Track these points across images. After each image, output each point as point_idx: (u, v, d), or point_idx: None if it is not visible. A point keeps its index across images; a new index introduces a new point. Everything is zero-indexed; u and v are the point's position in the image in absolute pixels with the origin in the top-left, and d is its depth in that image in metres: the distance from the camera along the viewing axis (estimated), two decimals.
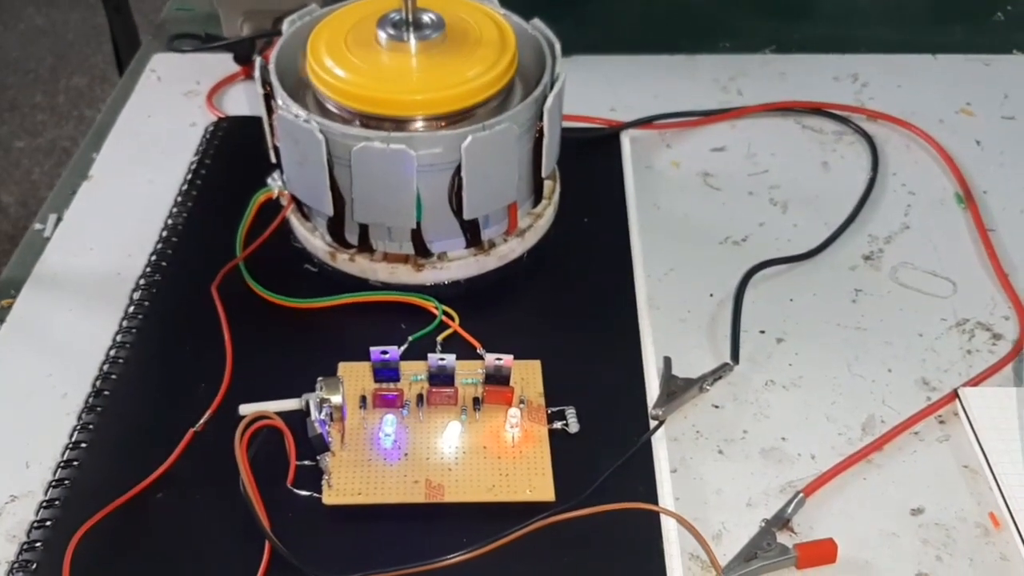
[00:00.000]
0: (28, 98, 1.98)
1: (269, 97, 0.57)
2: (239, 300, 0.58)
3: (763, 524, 0.49)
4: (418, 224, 0.56)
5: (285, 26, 0.60)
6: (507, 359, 0.51)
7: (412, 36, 0.56)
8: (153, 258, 0.62)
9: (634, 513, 0.48)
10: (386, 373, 0.53)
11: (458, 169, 0.54)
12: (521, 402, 0.53)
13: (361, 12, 0.59)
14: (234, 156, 0.70)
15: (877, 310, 0.60)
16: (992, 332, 0.59)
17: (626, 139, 0.72)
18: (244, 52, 0.79)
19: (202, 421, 0.52)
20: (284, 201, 0.62)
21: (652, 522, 0.48)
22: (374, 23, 0.57)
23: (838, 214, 0.67)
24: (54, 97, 1.98)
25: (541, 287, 0.61)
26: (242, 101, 0.78)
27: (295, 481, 0.49)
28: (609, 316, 0.59)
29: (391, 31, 0.56)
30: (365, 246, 0.59)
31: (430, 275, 0.59)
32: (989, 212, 0.67)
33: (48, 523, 0.48)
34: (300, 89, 0.58)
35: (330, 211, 0.57)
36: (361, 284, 0.59)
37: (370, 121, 0.55)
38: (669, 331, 0.58)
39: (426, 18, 0.57)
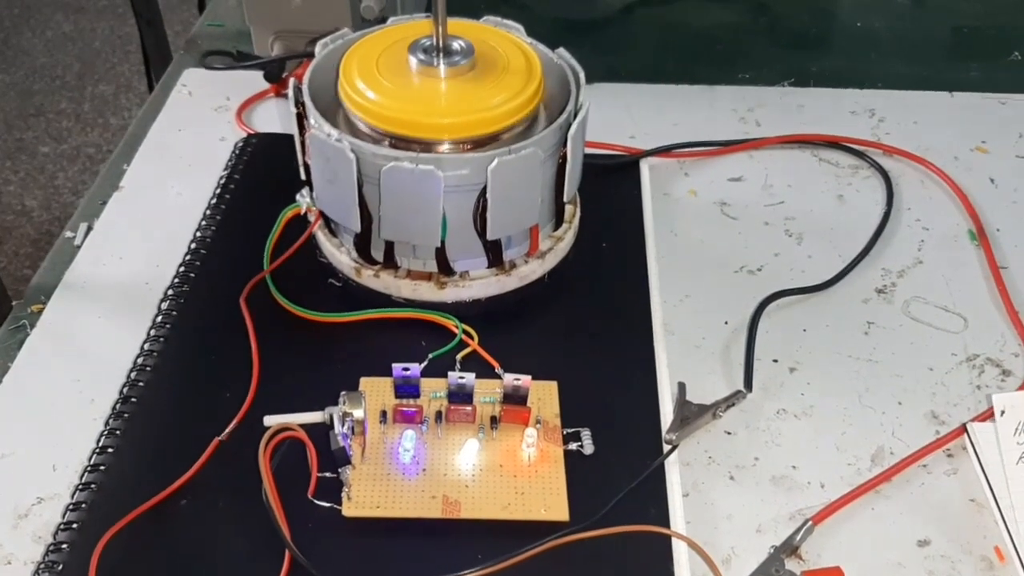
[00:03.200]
0: (54, 104, 2.01)
1: (302, 116, 0.59)
2: (265, 312, 0.60)
3: (772, 550, 0.49)
4: (442, 243, 0.58)
5: (318, 49, 0.62)
6: (525, 379, 0.52)
7: (442, 62, 0.58)
8: (181, 269, 0.64)
9: (646, 535, 0.49)
10: (407, 389, 0.54)
11: (483, 191, 0.56)
12: (538, 422, 0.54)
13: (392, 37, 0.61)
14: (263, 172, 0.72)
15: (889, 343, 0.61)
16: (1002, 368, 0.60)
17: (645, 166, 0.74)
18: (274, 71, 0.81)
19: (227, 430, 0.53)
20: (311, 217, 0.63)
21: (663, 545, 0.49)
22: (405, 48, 0.59)
23: (852, 247, 0.68)
24: (79, 104, 2.01)
25: (559, 309, 0.62)
26: (271, 118, 0.80)
27: (316, 492, 0.50)
28: (625, 340, 0.60)
29: (422, 56, 0.58)
30: (390, 263, 0.60)
31: (452, 293, 0.60)
32: (1001, 250, 0.68)
33: (74, 525, 0.49)
34: (331, 109, 0.60)
35: (357, 228, 0.58)
36: (384, 300, 0.61)
37: (399, 142, 0.56)
38: (684, 357, 0.60)
39: (456, 45, 0.59)
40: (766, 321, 0.62)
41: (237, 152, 0.74)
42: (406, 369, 0.53)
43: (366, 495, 0.50)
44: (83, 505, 0.50)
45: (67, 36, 2.23)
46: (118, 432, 0.53)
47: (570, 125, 0.58)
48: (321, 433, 0.52)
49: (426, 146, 0.56)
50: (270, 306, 0.60)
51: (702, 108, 0.82)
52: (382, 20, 0.67)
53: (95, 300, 0.63)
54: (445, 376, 0.53)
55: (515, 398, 0.53)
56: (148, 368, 0.57)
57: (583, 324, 0.61)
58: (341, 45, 0.62)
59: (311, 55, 0.62)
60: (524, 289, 0.62)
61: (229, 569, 0.48)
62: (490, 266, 0.61)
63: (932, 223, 0.71)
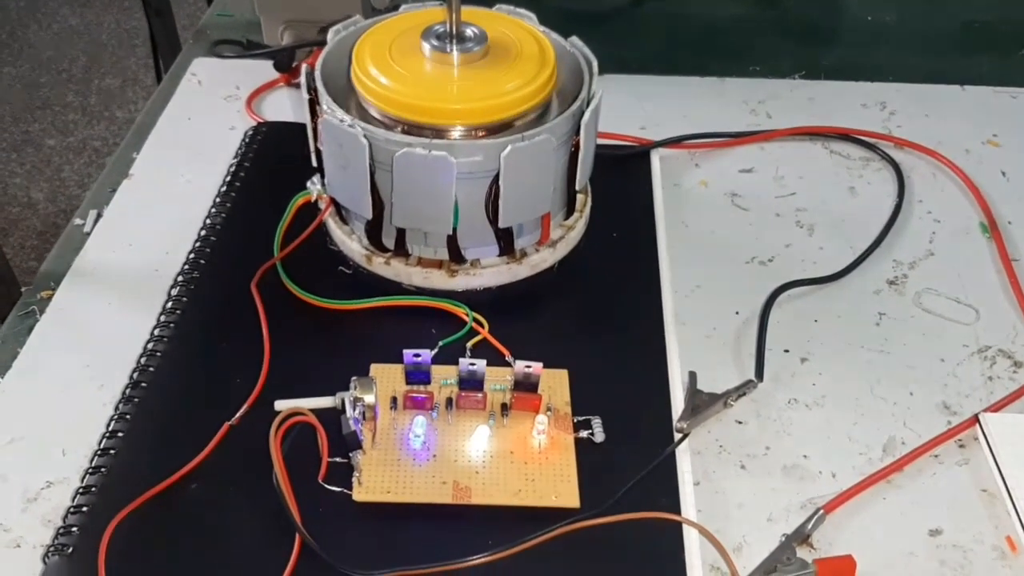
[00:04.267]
0: (60, 97, 2.01)
1: (314, 102, 0.59)
2: (275, 299, 0.60)
3: (783, 539, 0.49)
4: (454, 230, 0.58)
5: (330, 35, 0.62)
6: (536, 367, 0.52)
7: (455, 48, 0.58)
8: (191, 256, 0.64)
9: (657, 523, 0.49)
10: (418, 376, 0.54)
11: (496, 178, 0.55)
12: (548, 410, 0.53)
13: (405, 24, 0.61)
14: (272, 160, 0.72)
15: (900, 334, 0.61)
16: (1013, 360, 0.60)
17: (656, 157, 0.73)
18: (284, 60, 0.80)
19: (238, 415, 0.53)
20: (322, 204, 0.63)
21: (674, 533, 0.49)
22: (418, 35, 0.59)
23: (863, 239, 0.68)
24: (86, 97, 2.01)
25: (570, 298, 0.62)
26: (281, 107, 0.79)
27: (326, 477, 0.50)
28: (636, 329, 0.60)
29: (435, 43, 0.58)
30: (401, 250, 0.60)
31: (463, 281, 0.60)
32: (1013, 242, 0.68)
33: (84, 509, 0.49)
34: (343, 96, 0.59)
35: (369, 214, 0.58)
36: (395, 288, 0.61)
37: (412, 128, 0.56)
38: (695, 346, 0.59)
39: (469, 32, 0.59)
40: (777, 311, 0.62)
41: (247, 140, 0.74)
42: (417, 355, 0.53)
43: (377, 480, 0.50)
44: (93, 489, 0.50)
45: (74, 29, 2.23)
46: (128, 416, 0.53)
47: (583, 113, 0.58)
48: (332, 418, 0.52)
49: (439, 132, 0.56)
50: (280, 293, 0.60)
51: (713, 100, 0.82)
52: (393, 8, 0.66)
53: (105, 286, 0.63)
54: (456, 363, 0.53)
55: (526, 385, 0.53)
56: (158, 353, 0.57)
57: (594, 313, 0.61)
58: (353, 32, 0.62)
59: (322, 43, 0.62)
60: (535, 278, 0.62)
61: (239, 553, 0.48)
62: (501, 254, 0.61)
63: (943, 216, 0.71)
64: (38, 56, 2.14)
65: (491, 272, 0.60)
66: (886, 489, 0.52)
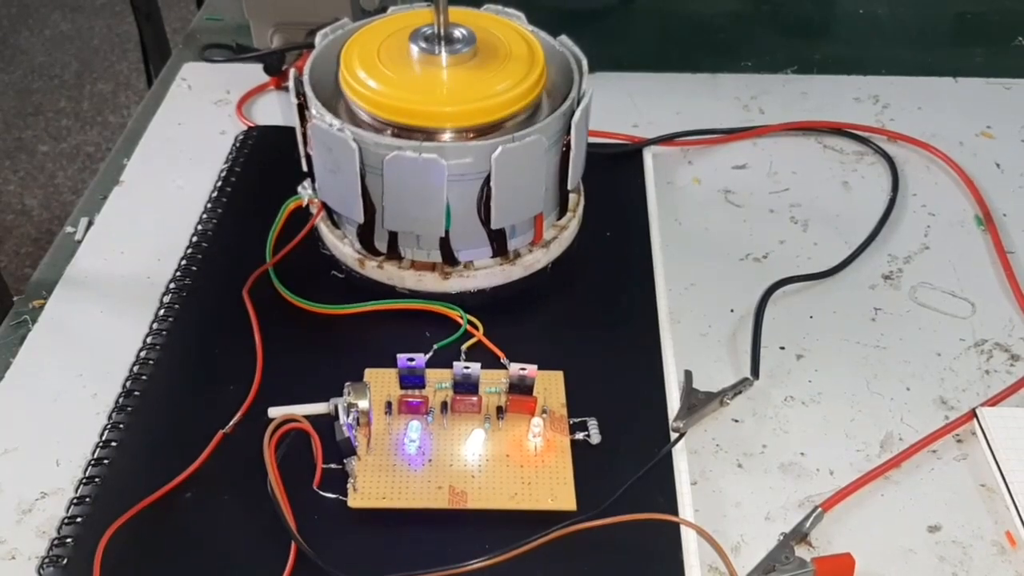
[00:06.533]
0: (53, 103, 2.01)
1: (303, 107, 0.58)
2: (268, 305, 0.59)
3: (781, 537, 0.49)
4: (446, 232, 0.57)
5: (318, 39, 0.62)
6: (531, 369, 0.52)
7: (444, 50, 0.57)
8: (183, 262, 0.63)
9: (654, 524, 0.49)
10: (412, 380, 0.53)
11: (487, 179, 0.55)
12: (544, 412, 0.53)
13: (393, 26, 0.61)
14: (264, 164, 0.71)
15: (896, 329, 0.61)
16: (1010, 353, 0.59)
17: (648, 155, 0.73)
18: (274, 63, 0.80)
19: (231, 423, 0.53)
20: (314, 209, 0.63)
21: (672, 533, 0.49)
22: (406, 37, 0.58)
23: (858, 233, 0.68)
24: (78, 103, 2.01)
25: (564, 298, 0.62)
26: (271, 111, 0.79)
27: (321, 484, 0.50)
28: (631, 329, 0.59)
29: (423, 45, 0.58)
30: (394, 254, 0.60)
31: (456, 283, 0.60)
32: (1008, 234, 0.68)
33: (79, 520, 0.49)
34: (332, 100, 0.59)
35: (361, 218, 0.58)
36: (388, 291, 0.60)
37: (402, 131, 0.56)
38: (690, 345, 0.59)
39: (457, 33, 0.58)
40: (772, 308, 0.62)
41: (238, 145, 0.73)
42: (411, 360, 0.52)
43: (372, 486, 0.50)
44: (87, 499, 0.50)
45: (65, 35, 2.22)
46: (121, 426, 0.53)
47: (573, 112, 0.57)
48: (326, 424, 0.51)
49: (429, 135, 0.56)
50: (273, 299, 0.60)
51: (705, 96, 0.82)
52: (382, 10, 0.66)
53: (97, 294, 0.63)
54: (450, 367, 0.53)
55: (521, 388, 0.53)
56: (151, 361, 0.57)
57: (588, 313, 0.61)
58: (341, 35, 0.62)
59: (311, 46, 0.62)
60: (529, 279, 0.62)
61: (235, 562, 0.47)
62: (494, 256, 0.60)
63: (938, 209, 0.70)
64: (30, 62, 2.13)
65: (484, 274, 0.60)
66: (884, 486, 0.52)
